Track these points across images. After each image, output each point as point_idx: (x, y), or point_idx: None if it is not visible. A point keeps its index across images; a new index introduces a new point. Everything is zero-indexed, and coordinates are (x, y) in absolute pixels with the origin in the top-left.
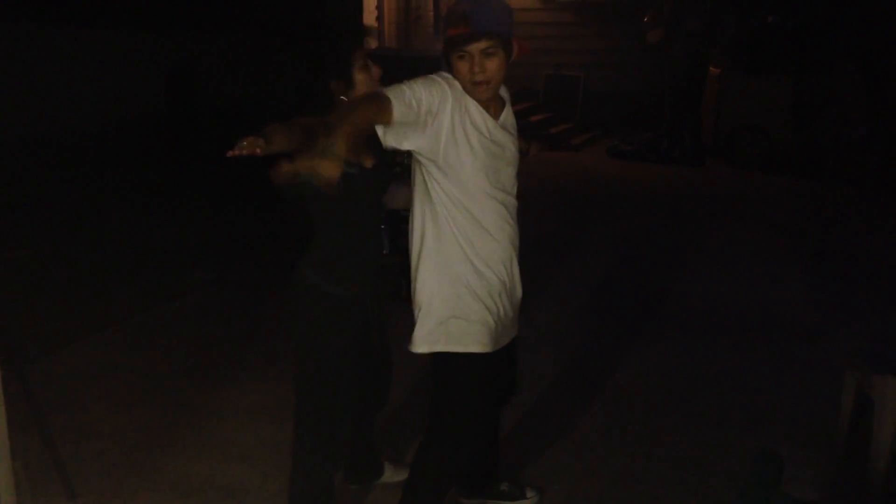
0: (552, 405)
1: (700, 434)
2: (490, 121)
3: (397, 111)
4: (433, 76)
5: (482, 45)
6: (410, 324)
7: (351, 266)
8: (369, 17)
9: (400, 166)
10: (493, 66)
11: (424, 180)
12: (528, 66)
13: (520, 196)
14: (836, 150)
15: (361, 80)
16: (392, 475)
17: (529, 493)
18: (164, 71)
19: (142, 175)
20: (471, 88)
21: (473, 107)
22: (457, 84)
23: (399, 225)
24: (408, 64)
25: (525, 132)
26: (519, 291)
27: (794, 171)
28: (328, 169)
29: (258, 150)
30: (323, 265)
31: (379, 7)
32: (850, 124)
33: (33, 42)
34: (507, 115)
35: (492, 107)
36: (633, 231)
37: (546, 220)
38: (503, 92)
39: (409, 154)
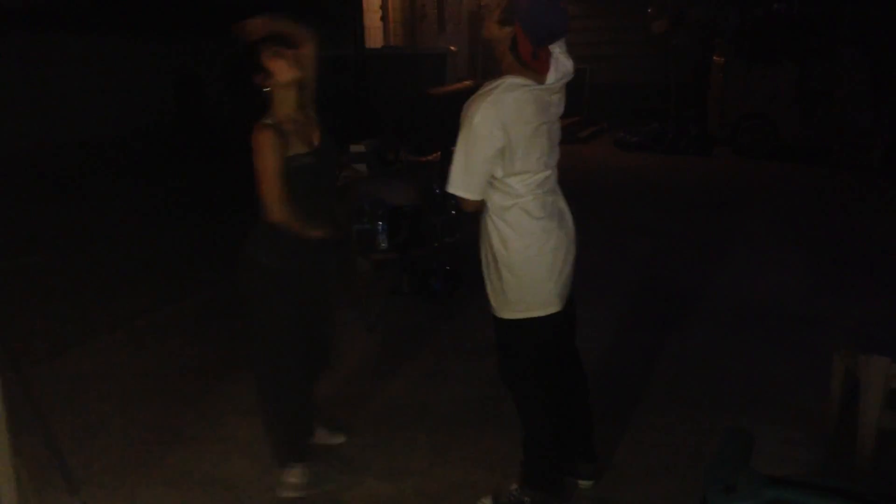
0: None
1: (693, 420)
2: None
3: None
4: None
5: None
6: (417, 318)
7: (290, 243)
8: (373, 17)
9: (400, 163)
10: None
11: None
12: None
13: None
14: (842, 136)
15: (278, 67)
16: (325, 438)
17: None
18: (173, 78)
19: (150, 181)
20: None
21: None
22: None
23: (398, 221)
24: (412, 61)
25: None
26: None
27: (799, 159)
28: None
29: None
30: (265, 240)
31: (384, 6)
32: (854, 111)
33: (43, 50)
34: None
35: None
36: (636, 221)
37: None
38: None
39: (408, 151)
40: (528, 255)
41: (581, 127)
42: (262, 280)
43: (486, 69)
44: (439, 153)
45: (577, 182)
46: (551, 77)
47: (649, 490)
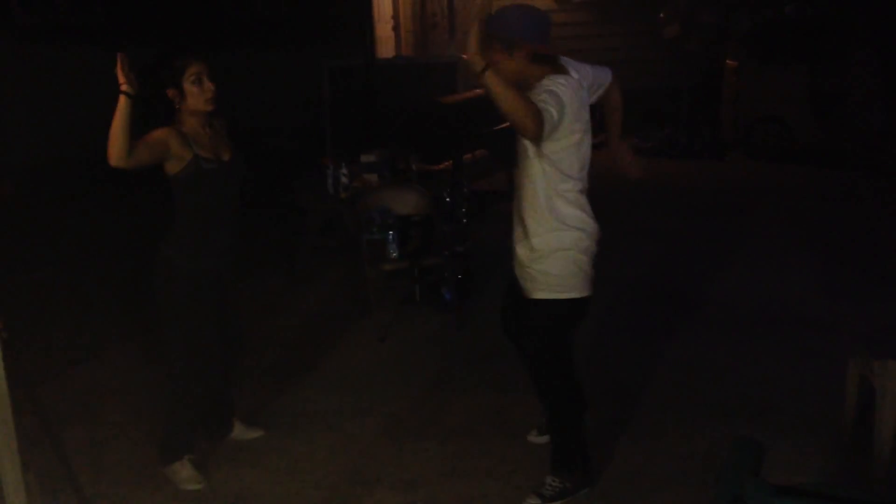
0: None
1: (706, 427)
2: None
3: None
4: None
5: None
6: (428, 327)
7: (203, 245)
8: (385, 27)
9: (410, 172)
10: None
11: None
12: None
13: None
14: (855, 138)
15: (193, 93)
16: (241, 433)
17: None
18: None
19: (164, 194)
20: None
21: None
22: None
23: (409, 230)
24: (423, 70)
25: None
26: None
27: (813, 161)
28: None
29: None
30: (179, 242)
31: (395, 17)
32: (868, 112)
33: (55, 63)
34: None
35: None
36: (648, 225)
37: None
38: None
39: (419, 160)
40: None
41: (593, 133)
42: (176, 280)
43: None
44: (450, 162)
45: (589, 188)
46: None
47: (661, 499)
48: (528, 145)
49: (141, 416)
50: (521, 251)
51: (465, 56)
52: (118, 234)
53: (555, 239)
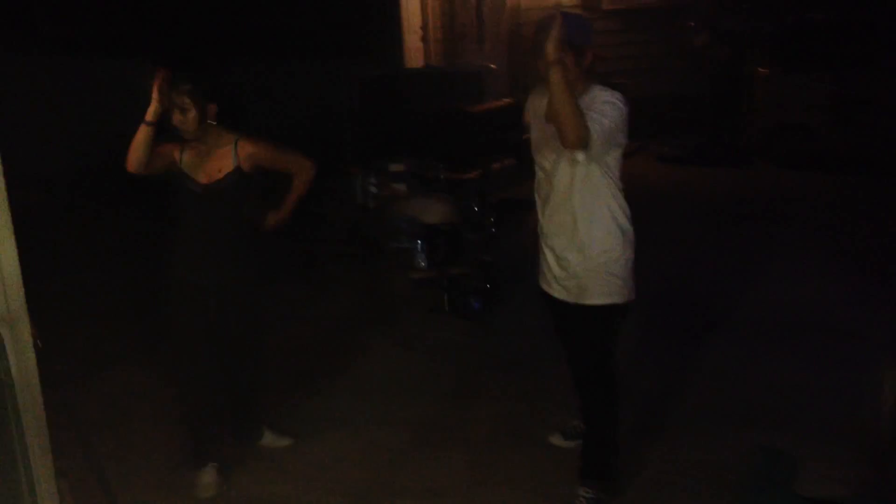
0: (576, 408)
1: (731, 436)
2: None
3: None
4: None
5: None
6: (455, 336)
7: (192, 259)
8: (414, 38)
9: (438, 181)
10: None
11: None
12: None
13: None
14: (881, 145)
15: (178, 121)
16: (271, 441)
17: None
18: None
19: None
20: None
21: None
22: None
23: (437, 239)
24: (451, 79)
25: None
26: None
27: (838, 169)
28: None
29: None
30: (173, 255)
31: (424, 27)
32: (893, 118)
33: (80, 74)
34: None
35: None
36: (672, 234)
37: None
38: (591, 92)
39: (447, 169)
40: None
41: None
42: (170, 291)
43: (526, 86)
44: (478, 171)
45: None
46: None
47: None
48: (579, 154)
49: (170, 422)
50: (575, 258)
51: (546, 45)
52: (145, 242)
53: (614, 243)
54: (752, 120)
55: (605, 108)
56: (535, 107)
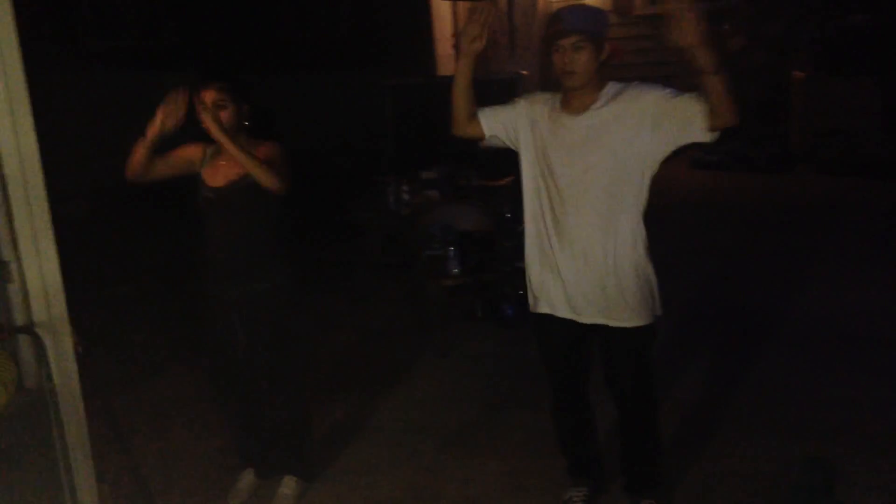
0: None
1: (776, 448)
2: (555, 112)
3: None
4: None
5: (572, 39)
6: (489, 343)
7: (212, 271)
8: (446, 45)
9: (471, 188)
10: (582, 58)
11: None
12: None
13: None
14: None
15: (202, 118)
16: (291, 491)
17: None
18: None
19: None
20: (562, 78)
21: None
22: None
23: (470, 246)
24: (483, 87)
25: None
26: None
27: (884, 175)
28: None
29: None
30: (202, 268)
31: (455, 33)
32: None
33: (123, 87)
34: (599, 106)
35: (578, 98)
36: (714, 243)
37: None
38: (608, 89)
39: (479, 176)
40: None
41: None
42: (207, 305)
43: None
44: (510, 178)
45: (651, 203)
46: None
47: None
48: (649, 167)
49: (210, 429)
50: (612, 281)
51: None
52: (185, 252)
53: (647, 259)
54: (793, 126)
55: (653, 86)
56: (537, 110)
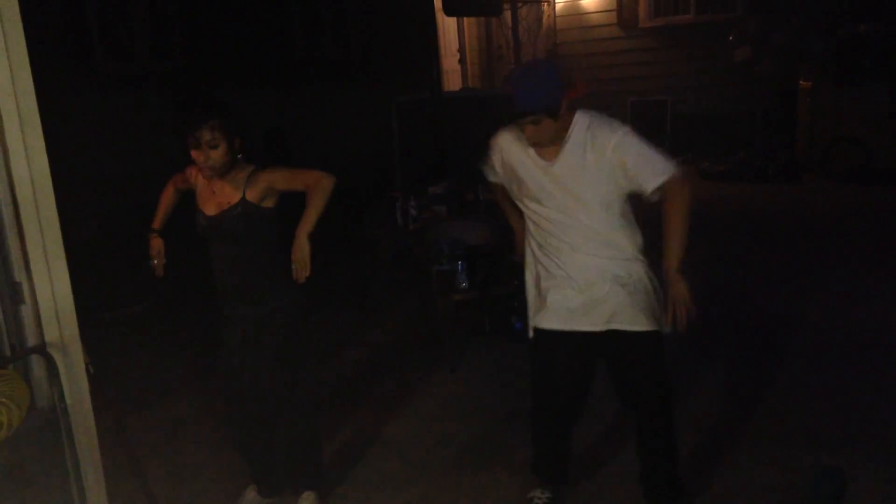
0: (632, 432)
1: (790, 457)
2: (525, 151)
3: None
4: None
5: (528, 117)
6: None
7: (220, 292)
8: (452, 60)
9: (478, 203)
10: (543, 127)
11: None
12: (614, 94)
13: None
14: None
15: (193, 155)
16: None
17: None
18: (261, 130)
19: None
20: (531, 144)
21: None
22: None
23: (478, 260)
24: (490, 103)
25: None
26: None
27: (894, 182)
28: None
29: None
30: (214, 289)
31: (461, 50)
32: None
33: (135, 109)
34: (567, 153)
35: (548, 151)
36: (724, 252)
37: None
38: (575, 127)
39: (486, 191)
40: None
41: None
42: (220, 325)
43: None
44: None
45: (660, 214)
46: None
47: None
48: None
49: (220, 449)
50: (622, 289)
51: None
52: (196, 276)
53: (648, 265)
54: (801, 135)
55: (629, 141)
56: (513, 151)
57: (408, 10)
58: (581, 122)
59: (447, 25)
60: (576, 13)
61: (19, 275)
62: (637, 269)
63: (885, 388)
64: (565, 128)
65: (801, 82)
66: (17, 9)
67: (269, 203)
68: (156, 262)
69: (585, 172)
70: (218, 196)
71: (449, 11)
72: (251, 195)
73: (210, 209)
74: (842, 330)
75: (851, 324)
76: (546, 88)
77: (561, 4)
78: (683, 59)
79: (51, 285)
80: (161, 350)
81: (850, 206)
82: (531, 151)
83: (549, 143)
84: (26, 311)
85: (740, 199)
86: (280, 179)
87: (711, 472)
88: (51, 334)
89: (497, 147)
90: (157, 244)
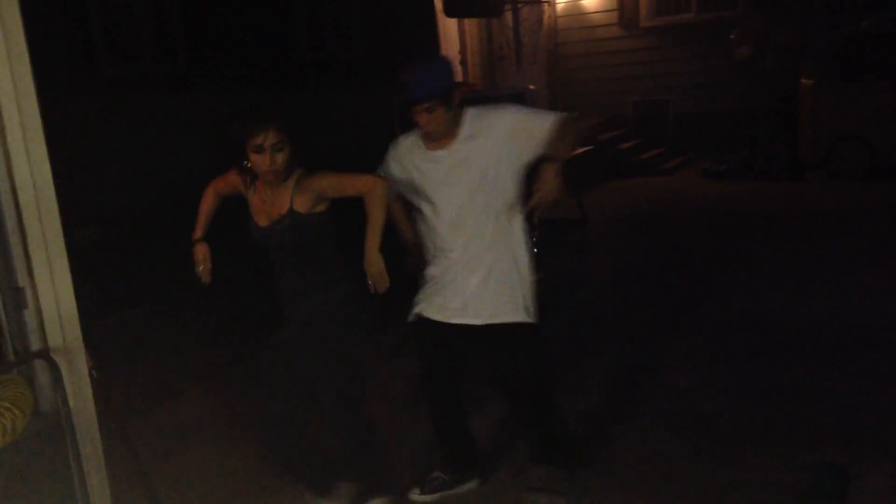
0: (638, 430)
1: (791, 455)
2: (421, 154)
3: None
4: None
5: (423, 105)
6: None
7: (280, 295)
8: (453, 60)
9: None
10: (437, 116)
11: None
12: (616, 93)
13: None
14: None
15: (254, 161)
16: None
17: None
18: None
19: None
20: (425, 135)
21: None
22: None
23: None
24: (490, 102)
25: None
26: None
27: None
28: None
29: None
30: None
31: (462, 51)
32: None
33: (139, 112)
34: (460, 144)
35: (442, 142)
36: (727, 250)
37: (636, 245)
38: (466, 118)
39: None
40: None
41: (666, 158)
42: (278, 318)
43: (565, 105)
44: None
45: (661, 214)
46: None
47: None
48: (517, 173)
49: (226, 452)
50: (513, 278)
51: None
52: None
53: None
54: (804, 132)
55: (514, 108)
56: (410, 157)
57: (409, 12)
58: (470, 113)
59: (448, 26)
60: (577, 13)
61: (22, 279)
62: (526, 256)
63: (890, 385)
64: (458, 122)
65: (803, 80)
66: (18, 11)
67: (320, 208)
68: (201, 268)
69: (482, 151)
70: (268, 206)
71: (450, 13)
72: (299, 204)
73: (262, 220)
74: (846, 327)
75: (856, 321)
76: (439, 78)
77: (562, 5)
78: (685, 59)
79: (54, 290)
80: (163, 353)
81: (855, 203)
82: (422, 146)
83: (443, 135)
84: (29, 315)
85: (743, 197)
86: (329, 188)
87: (715, 469)
88: (54, 339)
89: (394, 155)
90: (201, 250)
